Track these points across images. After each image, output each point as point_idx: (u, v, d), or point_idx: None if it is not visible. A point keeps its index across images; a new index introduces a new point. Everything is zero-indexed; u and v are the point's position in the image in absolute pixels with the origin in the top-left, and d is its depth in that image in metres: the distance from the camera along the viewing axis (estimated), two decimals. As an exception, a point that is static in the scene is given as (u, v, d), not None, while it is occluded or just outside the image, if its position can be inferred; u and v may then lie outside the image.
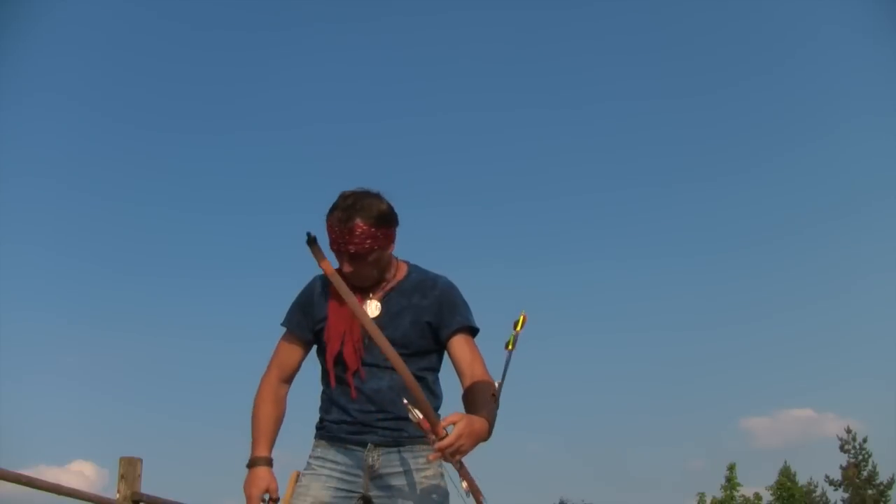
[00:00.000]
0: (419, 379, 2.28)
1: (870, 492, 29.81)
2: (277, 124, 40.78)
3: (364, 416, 2.36)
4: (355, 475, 2.35)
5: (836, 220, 42.87)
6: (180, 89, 39.95)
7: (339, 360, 2.40)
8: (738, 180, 44.02)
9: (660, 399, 43.41)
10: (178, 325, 38.63)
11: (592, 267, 43.20)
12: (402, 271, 2.49)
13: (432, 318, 2.42)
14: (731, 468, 30.13)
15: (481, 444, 2.18)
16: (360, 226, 2.31)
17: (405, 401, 2.17)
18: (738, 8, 41.23)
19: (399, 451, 2.36)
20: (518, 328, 2.38)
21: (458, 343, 2.41)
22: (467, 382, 2.35)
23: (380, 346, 2.26)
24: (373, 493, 2.34)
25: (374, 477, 2.35)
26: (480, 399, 2.27)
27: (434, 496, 2.35)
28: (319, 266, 2.35)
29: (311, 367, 2.51)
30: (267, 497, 2.38)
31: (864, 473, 30.18)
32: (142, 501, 4.89)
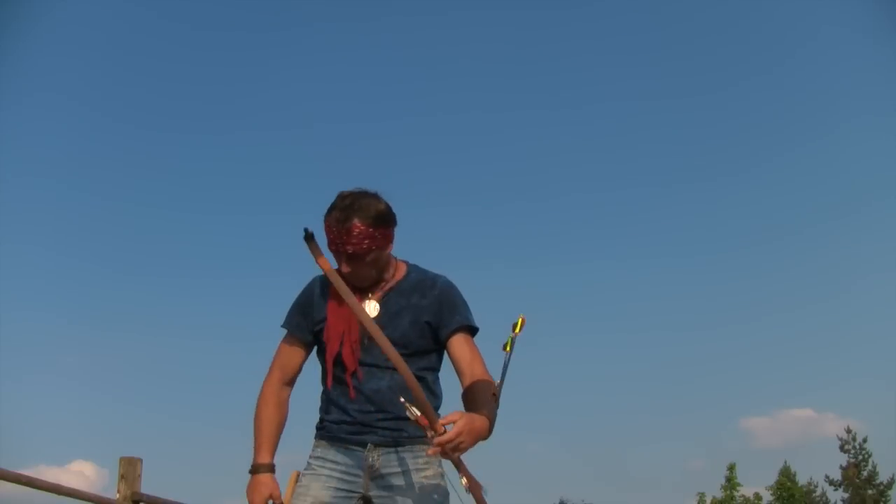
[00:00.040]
0: (419, 379, 2.28)
1: (870, 492, 29.80)
2: (277, 124, 40.80)
3: (364, 417, 2.36)
4: (355, 475, 2.36)
5: (836, 220, 42.89)
6: (180, 89, 39.98)
7: (339, 361, 2.40)
8: (739, 180, 44.03)
9: (660, 399, 43.44)
10: (178, 325, 38.68)
11: (592, 267, 43.21)
12: (402, 271, 2.49)
13: (432, 318, 2.42)
14: (731, 468, 30.14)
15: (481, 443, 2.18)
16: (358, 226, 2.32)
17: (402, 399, 2.18)
18: (738, 8, 41.26)
19: (399, 451, 2.36)
20: (517, 330, 2.37)
21: (458, 342, 2.41)
22: (467, 382, 2.35)
23: (381, 345, 2.26)
24: (373, 493, 2.35)
25: (375, 477, 2.35)
26: (481, 398, 2.27)
27: (434, 496, 2.35)
28: (317, 263, 2.35)
29: (311, 367, 2.52)
30: (270, 503, 2.38)
31: (864, 473, 30.17)
32: (142, 501, 4.90)
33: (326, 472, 2.37)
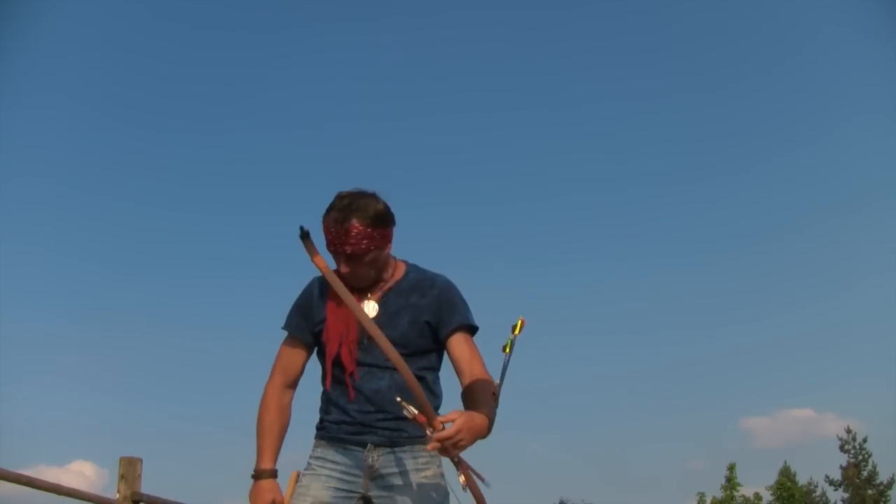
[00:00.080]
0: (419, 378, 2.28)
1: (870, 492, 29.81)
2: (277, 124, 40.83)
3: (363, 417, 2.36)
4: (355, 475, 2.36)
5: (836, 220, 42.94)
6: (180, 89, 40.01)
7: (338, 361, 2.40)
8: (739, 180, 44.06)
9: (660, 399, 43.46)
10: (178, 325, 38.72)
11: (592, 267, 43.26)
12: (401, 271, 2.49)
13: (431, 318, 2.42)
14: (731, 468, 30.16)
15: (480, 442, 2.18)
16: (357, 226, 2.31)
17: (398, 398, 2.18)
18: (739, 8, 41.28)
19: (399, 452, 2.36)
20: (516, 332, 2.36)
21: (458, 342, 2.41)
22: (466, 381, 2.35)
23: (380, 345, 2.26)
24: (373, 493, 2.35)
25: (374, 477, 2.35)
26: (480, 397, 2.27)
27: (434, 495, 2.35)
28: (312, 261, 2.34)
29: (311, 367, 2.52)
30: None
31: (864, 473, 30.18)
32: (142, 501, 4.90)
33: (326, 472, 2.37)
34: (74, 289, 37.09)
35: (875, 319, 42.12)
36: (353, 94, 41.06)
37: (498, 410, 2.27)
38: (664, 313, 45.39)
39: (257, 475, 2.42)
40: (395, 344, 2.28)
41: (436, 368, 2.48)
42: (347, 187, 2.40)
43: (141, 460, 4.95)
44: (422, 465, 2.36)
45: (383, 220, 2.37)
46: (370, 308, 2.40)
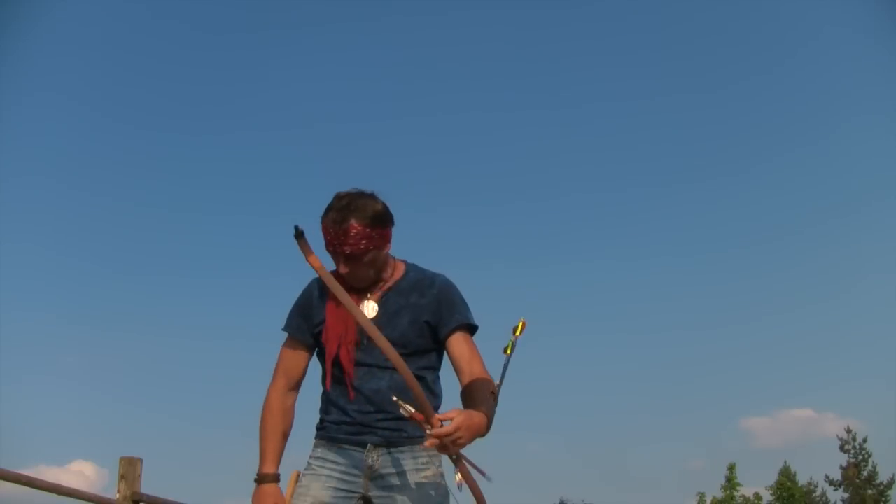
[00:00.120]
0: (419, 378, 2.28)
1: (870, 492, 29.81)
2: (277, 124, 40.85)
3: (363, 417, 2.36)
4: (355, 475, 2.35)
5: (836, 220, 42.97)
6: (180, 89, 40.01)
7: (337, 362, 2.40)
8: (739, 180, 44.08)
9: (660, 399, 43.48)
10: (178, 325, 38.74)
11: (592, 267, 43.28)
12: (400, 271, 2.49)
13: (431, 317, 2.42)
14: (731, 468, 30.16)
15: (479, 441, 2.18)
16: (355, 226, 2.31)
17: (394, 397, 2.18)
18: (739, 8, 41.29)
19: (399, 452, 2.36)
20: (517, 333, 2.37)
21: (457, 341, 2.41)
22: (466, 380, 2.35)
23: (380, 345, 2.26)
24: (372, 493, 2.35)
25: (374, 477, 2.35)
26: (479, 396, 2.27)
27: (433, 495, 2.35)
28: (307, 261, 2.34)
29: (311, 368, 2.52)
30: None
31: (864, 473, 30.18)
32: (142, 501, 4.90)
33: (326, 472, 2.37)
34: (74, 289, 37.19)
35: (875, 319, 42.17)
36: (352, 94, 41.15)
37: (497, 410, 2.27)
38: (664, 313, 45.47)
39: (260, 479, 2.42)
40: (394, 344, 2.28)
41: (436, 368, 2.48)
42: (347, 187, 2.40)
43: (141, 460, 4.95)
44: (421, 466, 2.36)
45: (382, 220, 2.37)
46: (370, 308, 2.40)
